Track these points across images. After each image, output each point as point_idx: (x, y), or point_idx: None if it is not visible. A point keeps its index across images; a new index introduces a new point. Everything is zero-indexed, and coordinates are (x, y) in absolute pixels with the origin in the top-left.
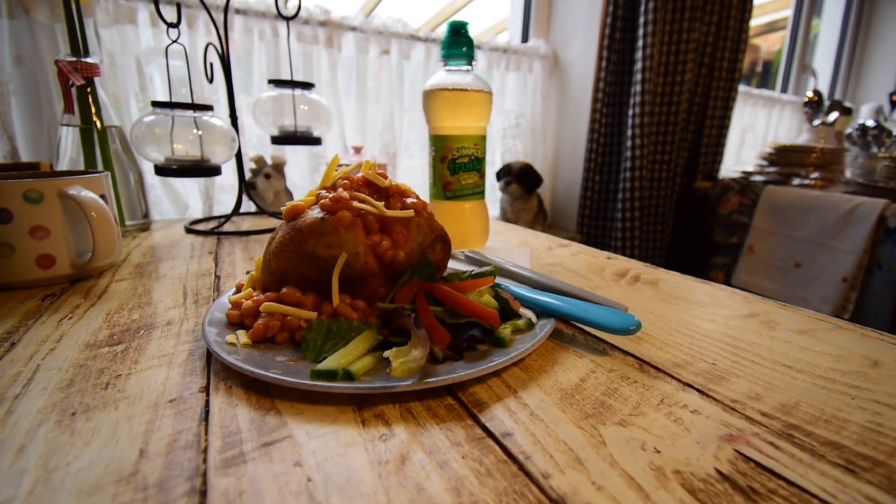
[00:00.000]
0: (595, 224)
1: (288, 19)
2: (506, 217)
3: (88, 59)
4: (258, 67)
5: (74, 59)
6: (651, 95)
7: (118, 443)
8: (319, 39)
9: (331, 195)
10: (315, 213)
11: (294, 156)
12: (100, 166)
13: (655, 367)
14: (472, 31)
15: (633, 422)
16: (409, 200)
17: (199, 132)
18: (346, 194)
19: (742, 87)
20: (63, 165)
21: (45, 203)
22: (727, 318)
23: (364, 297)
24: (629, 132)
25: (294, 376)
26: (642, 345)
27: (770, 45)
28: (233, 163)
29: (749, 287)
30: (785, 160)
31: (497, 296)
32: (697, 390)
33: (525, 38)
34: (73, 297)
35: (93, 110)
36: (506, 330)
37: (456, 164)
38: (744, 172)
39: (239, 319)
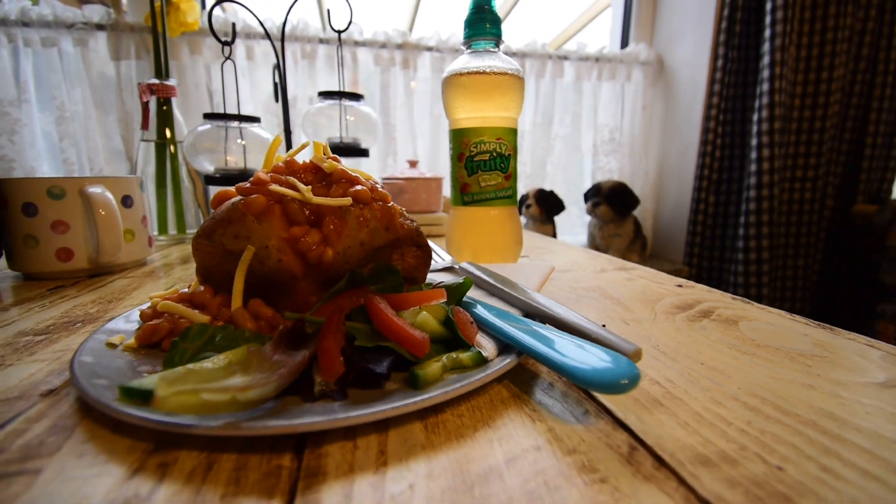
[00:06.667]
0: (709, 255)
1: (339, 32)
2: (594, 244)
3: (167, 82)
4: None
5: (156, 81)
6: (786, 97)
7: None
8: (396, 61)
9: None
10: (235, 199)
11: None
12: (169, 178)
13: (657, 459)
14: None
15: None
16: (357, 188)
17: (243, 142)
18: (265, 176)
19: None
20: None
21: (66, 199)
22: (841, 386)
23: (291, 305)
24: (754, 142)
25: (108, 393)
26: (657, 414)
27: None
28: None
29: None
30: None
31: (448, 317)
32: None
33: (624, 43)
34: (71, 290)
35: (166, 128)
36: (432, 366)
37: (474, 163)
38: None
39: (150, 318)
